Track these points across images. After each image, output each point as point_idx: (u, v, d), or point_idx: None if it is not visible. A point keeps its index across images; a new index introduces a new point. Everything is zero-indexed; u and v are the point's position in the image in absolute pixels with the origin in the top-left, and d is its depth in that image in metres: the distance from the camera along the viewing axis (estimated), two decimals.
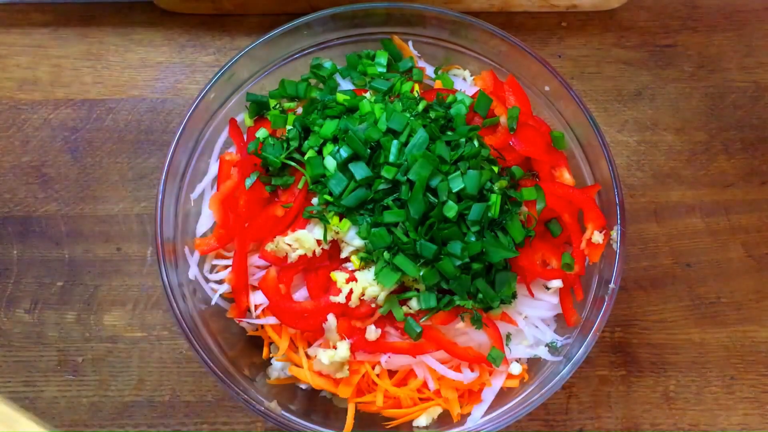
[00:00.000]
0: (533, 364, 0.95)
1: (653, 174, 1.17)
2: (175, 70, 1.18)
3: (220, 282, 0.95)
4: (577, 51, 1.23)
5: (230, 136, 0.99)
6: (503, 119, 0.96)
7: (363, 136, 0.87)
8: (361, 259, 0.88)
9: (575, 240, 0.95)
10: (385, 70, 1.00)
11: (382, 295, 0.87)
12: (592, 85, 1.21)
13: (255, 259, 0.93)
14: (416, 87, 0.97)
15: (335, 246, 0.90)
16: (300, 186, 0.90)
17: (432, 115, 0.91)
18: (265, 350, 0.96)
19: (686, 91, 1.22)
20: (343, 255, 0.89)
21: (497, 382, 0.93)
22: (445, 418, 0.93)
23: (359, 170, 0.85)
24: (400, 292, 0.88)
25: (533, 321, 0.94)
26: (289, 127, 0.94)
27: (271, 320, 0.92)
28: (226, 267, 0.96)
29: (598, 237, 0.93)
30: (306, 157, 0.89)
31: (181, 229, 0.96)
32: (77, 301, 1.07)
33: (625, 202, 0.94)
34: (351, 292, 0.87)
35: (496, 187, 0.88)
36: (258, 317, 0.93)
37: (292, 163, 0.90)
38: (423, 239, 0.84)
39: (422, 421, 0.92)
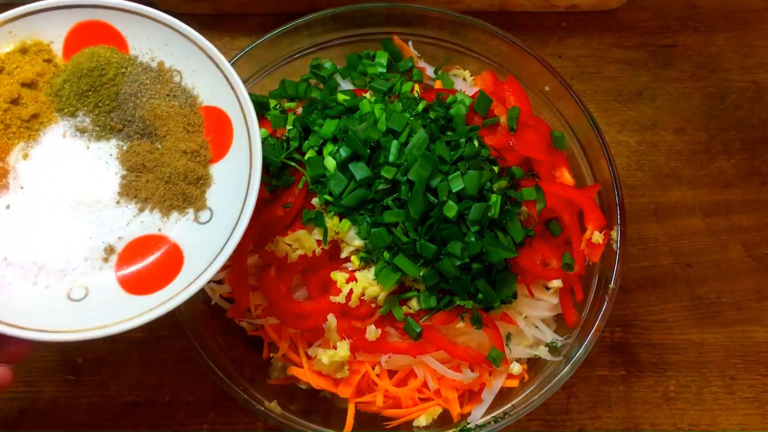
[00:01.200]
0: (533, 364, 0.95)
1: (653, 174, 1.17)
2: None
3: (219, 282, 0.95)
4: (577, 51, 1.23)
5: None
6: (503, 119, 0.96)
7: (363, 136, 0.87)
8: (361, 259, 0.88)
9: (575, 240, 0.95)
10: (385, 71, 1.00)
11: (382, 295, 0.87)
12: (592, 85, 1.21)
13: (255, 259, 0.93)
14: (416, 87, 0.97)
15: (335, 246, 0.90)
16: (300, 186, 0.90)
17: (432, 115, 0.91)
18: (265, 350, 0.96)
19: (686, 91, 1.22)
20: (343, 255, 0.89)
21: (497, 382, 0.93)
22: (445, 418, 0.93)
23: (359, 170, 0.85)
24: (400, 292, 0.88)
25: (533, 321, 0.94)
26: (289, 127, 0.94)
27: (271, 320, 0.93)
28: (226, 267, 0.96)
29: (598, 237, 0.93)
30: (306, 157, 0.89)
31: None
32: None
33: (625, 202, 0.94)
34: (351, 292, 0.87)
35: (495, 187, 0.88)
36: (258, 317, 0.93)
37: (292, 163, 0.90)
38: (423, 239, 0.84)
39: (422, 421, 0.92)
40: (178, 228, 0.78)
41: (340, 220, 0.87)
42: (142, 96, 0.79)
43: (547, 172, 0.98)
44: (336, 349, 0.88)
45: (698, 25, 1.25)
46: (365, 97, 0.94)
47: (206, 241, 0.76)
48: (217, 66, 0.79)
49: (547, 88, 1.01)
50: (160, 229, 0.78)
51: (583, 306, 0.95)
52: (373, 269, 0.87)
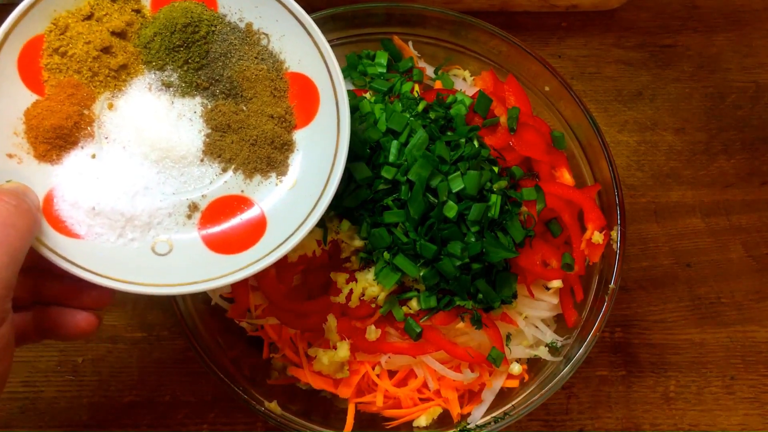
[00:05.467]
0: (533, 364, 0.95)
1: (653, 174, 1.17)
2: None
3: None
4: (577, 51, 1.23)
5: None
6: (503, 119, 0.96)
7: (363, 136, 0.87)
8: (361, 259, 0.88)
9: (575, 240, 0.95)
10: (385, 71, 1.00)
11: (382, 295, 0.87)
12: (592, 85, 1.21)
13: None
14: (416, 87, 0.97)
15: (335, 246, 0.90)
16: None
17: (432, 115, 0.91)
18: (265, 350, 0.96)
19: (686, 91, 1.22)
20: (343, 255, 0.89)
21: (497, 383, 0.93)
22: (445, 419, 0.93)
23: (359, 170, 0.85)
24: (400, 292, 0.88)
25: (533, 321, 0.94)
26: None
27: (271, 320, 0.93)
28: None
29: (598, 237, 0.93)
30: None
31: None
32: None
33: (625, 202, 0.94)
34: (351, 292, 0.87)
35: (495, 188, 0.88)
36: (258, 317, 0.93)
37: None
38: (423, 239, 0.84)
39: (422, 421, 0.92)
40: (261, 191, 0.78)
41: (340, 221, 0.87)
42: (231, 56, 0.78)
43: (547, 172, 0.98)
44: (336, 349, 0.88)
45: (698, 25, 1.25)
46: (365, 97, 0.94)
47: (289, 206, 0.77)
48: (308, 33, 0.78)
49: (547, 88, 1.01)
50: (242, 191, 0.78)
51: (583, 306, 0.95)
52: (373, 269, 0.87)
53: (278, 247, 0.74)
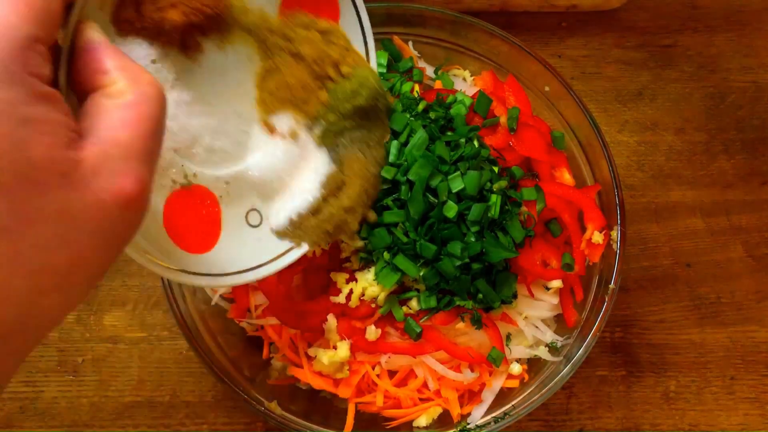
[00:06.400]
0: (533, 364, 0.95)
1: (653, 174, 1.17)
2: None
3: None
4: (577, 51, 1.23)
5: None
6: (503, 119, 0.96)
7: None
8: (361, 259, 0.87)
9: (575, 240, 0.95)
10: (385, 71, 1.00)
11: (382, 295, 0.86)
12: (592, 85, 1.21)
13: None
14: (416, 87, 0.97)
15: (335, 246, 0.90)
16: None
17: (432, 115, 0.91)
18: (265, 350, 0.96)
19: (686, 91, 1.22)
20: (344, 255, 0.89)
21: (497, 383, 0.93)
22: (445, 419, 0.93)
23: None
24: (400, 292, 0.88)
25: (533, 321, 0.94)
26: None
27: (271, 320, 0.93)
28: None
29: (598, 237, 0.93)
30: None
31: None
32: None
33: (625, 202, 0.94)
34: (351, 292, 0.87)
35: (495, 188, 0.88)
36: (258, 317, 0.93)
37: None
38: (423, 239, 0.84)
39: (422, 421, 0.92)
40: (232, 210, 0.75)
41: None
42: (363, 141, 0.80)
43: (547, 172, 0.98)
44: (336, 349, 0.88)
45: (698, 25, 1.25)
46: None
47: (242, 242, 0.75)
48: None
49: (547, 88, 1.01)
50: (221, 197, 0.74)
51: (583, 306, 0.95)
52: (373, 269, 0.87)
53: (211, 275, 0.71)
